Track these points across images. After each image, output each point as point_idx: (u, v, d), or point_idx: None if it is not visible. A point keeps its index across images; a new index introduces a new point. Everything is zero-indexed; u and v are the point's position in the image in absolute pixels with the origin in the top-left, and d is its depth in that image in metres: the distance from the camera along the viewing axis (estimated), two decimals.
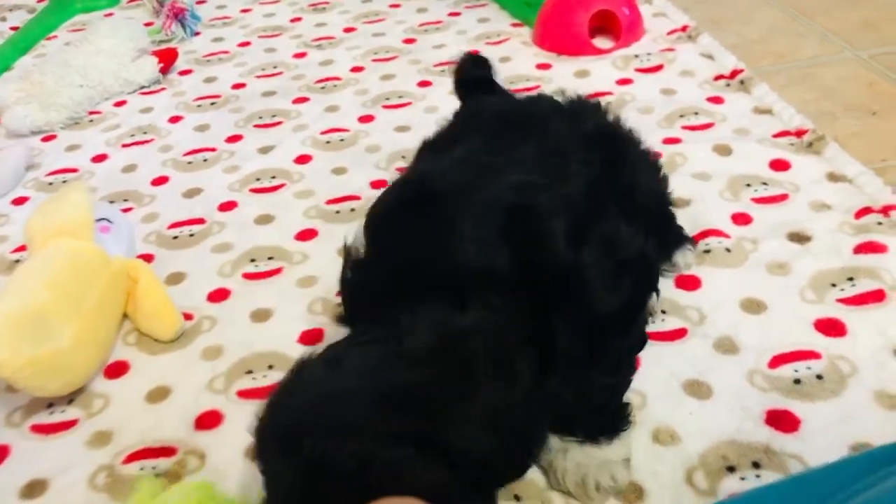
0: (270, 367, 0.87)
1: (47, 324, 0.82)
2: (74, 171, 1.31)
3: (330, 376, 0.56)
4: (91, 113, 1.49)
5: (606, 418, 0.69)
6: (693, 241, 0.95)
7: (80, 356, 0.85)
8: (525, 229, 0.63)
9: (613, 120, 0.87)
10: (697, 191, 1.06)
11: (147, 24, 1.83)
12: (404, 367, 0.55)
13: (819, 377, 0.78)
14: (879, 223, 0.97)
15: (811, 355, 0.81)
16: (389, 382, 0.54)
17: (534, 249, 0.62)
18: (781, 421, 0.74)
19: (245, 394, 0.84)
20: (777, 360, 0.81)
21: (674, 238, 0.93)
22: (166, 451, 0.79)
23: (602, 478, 0.68)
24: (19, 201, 1.24)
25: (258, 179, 1.22)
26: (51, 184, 1.28)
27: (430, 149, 0.83)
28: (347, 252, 0.69)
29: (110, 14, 1.98)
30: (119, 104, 1.51)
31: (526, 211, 0.64)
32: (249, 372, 0.87)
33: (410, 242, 0.65)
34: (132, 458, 0.79)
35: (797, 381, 0.78)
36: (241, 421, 0.81)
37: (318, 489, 0.50)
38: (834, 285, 0.89)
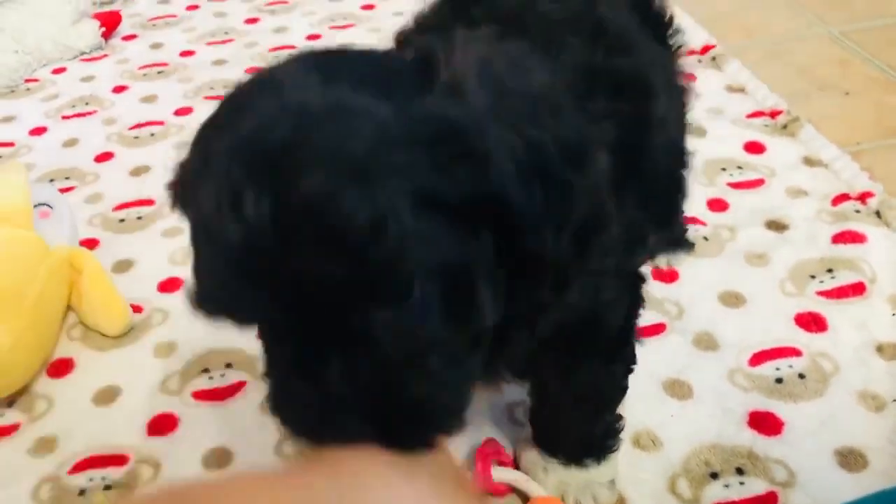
0: (229, 365, 0.82)
1: None
2: (10, 144, 1.22)
3: (328, 86, 0.36)
4: (27, 81, 1.39)
5: (595, 437, 0.65)
6: (691, 245, 0.91)
7: (21, 355, 0.78)
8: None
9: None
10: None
11: None
12: (444, 95, 0.37)
13: (801, 376, 0.76)
14: (857, 211, 0.95)
15: (792, 352, 0.79)
16: (425, 112, 0.36)
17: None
18: (764, 423, 0.72)
19: (201, 395, 0.79)
20: (758, 358, 0.78)
21: (674, 237, 0.88)
22: (117, 460, 0.73)
23: (584, 498, 0.65)
24: None
25: None
26: None
27: None
28: None
29: None
30: (58, 71, 1.42)
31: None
32: (206, 371, 0.82)
33: None
34: (79, 467, 0.73)
35: (779, 381, 0.76)
36: (198, 426, 0.76)
37: (297, 250, 0.33)
38: (813, 277, 0.87)
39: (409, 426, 0.38)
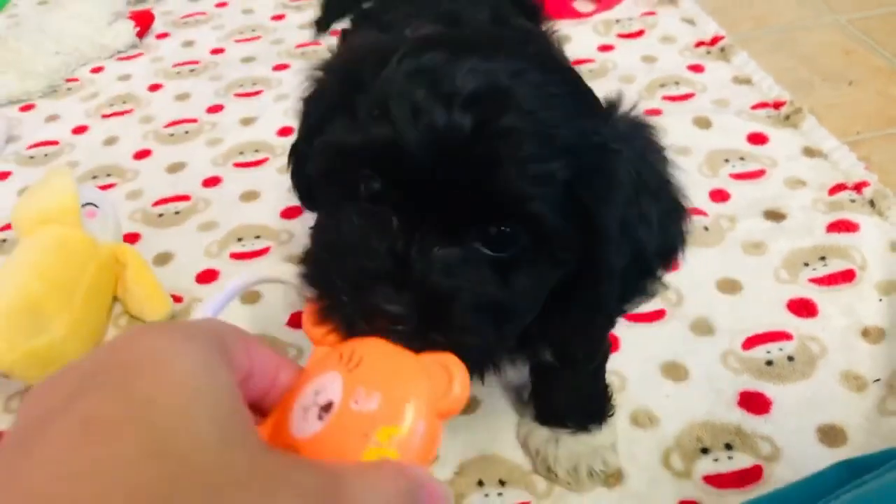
0: None
1: (41, 315, 0.84)
2: (55, 143, 1.30)
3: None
4: (68, 80, 1.47)
5: (595, 405, 0.72)
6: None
7: (74, 345, 0.86)
8: None
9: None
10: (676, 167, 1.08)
11: None
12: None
13: (790, 358, 0.82)
14: (852, 200, 0.99)
15: (783, 336, 0.84)
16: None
17: None
18: (753, 403, 0.78)
19: None
20: (751, 342, 0.84)
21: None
22: None
23: (595, 463, 0.72)
24: (1, 176, 1.24)
25: (241, 153, 1.22)
26: (32, 157, 1.28)
27: None
28: None
29: None
30: (96, 70, 1.50)
31: None
32: None
33: None
34: None
35: (769, 363, 0.82)
36: None
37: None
38: (807, 264, 0.92)
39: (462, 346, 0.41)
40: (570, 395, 0.73)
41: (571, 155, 0.44)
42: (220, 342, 0.32)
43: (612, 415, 0.74)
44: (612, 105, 0.50)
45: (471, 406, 0.79)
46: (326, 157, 0.47)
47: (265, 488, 0.27)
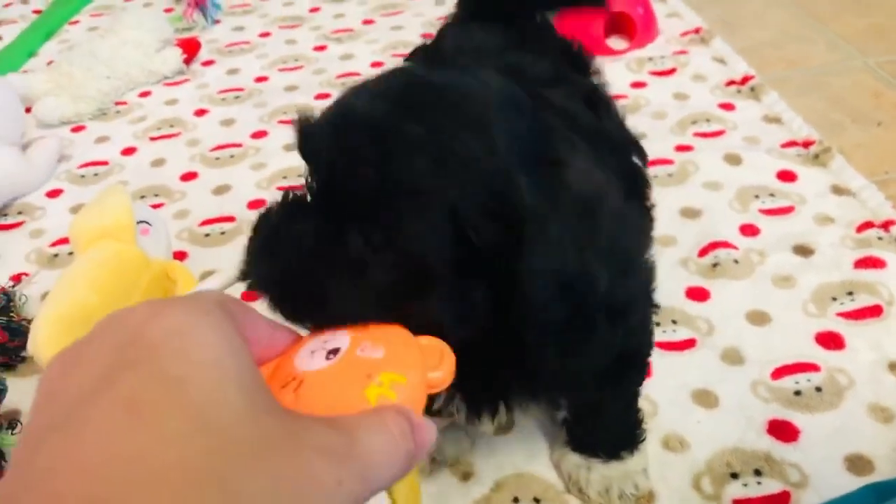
0: None
1: None
2: (105, 163, 1.36)
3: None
4: (117, 104, 1.53)
5: (627, 435, 0.75)
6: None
7: None
8: None
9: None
10: (708, 202, 1.11)
11: (167, 11, 1.87)
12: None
13: (818, 389, 0.84)
14: (880, 238, 1.02)
15: (811, 367, 0.86)
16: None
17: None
18: (782, 431, 0.80)
19: None
20: (779, 372, 0.86)
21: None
22: None
23: (626, 487, 0.74)
24: (54, 194, 1.29)
25: (285, 178, 1.26)
26: (83, 176, 1.33)
27: None
28: None
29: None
30: (144, 95, 1.55)
31: None
32: None
33: None
34: None
35: (797, 393, 0.84)
36: None
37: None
38: (834, 299, 0.94)
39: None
40: (602, 428, 0.75)
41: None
42: (228, 312, 0.34)
43: (643, 440, 0.77)
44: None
45: (507, 426, 0.82)
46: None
47: (293, 449, 0.29)
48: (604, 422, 0.74)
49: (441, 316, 0.48)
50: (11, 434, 0.84)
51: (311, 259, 0.47)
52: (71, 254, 1.14)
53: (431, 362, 0.40)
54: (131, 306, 0.34)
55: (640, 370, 0.72)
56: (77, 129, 1.46)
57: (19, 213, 1.25)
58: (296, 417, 0.32)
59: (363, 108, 0.48)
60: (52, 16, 1.92)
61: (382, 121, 0.46)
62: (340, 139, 0.47)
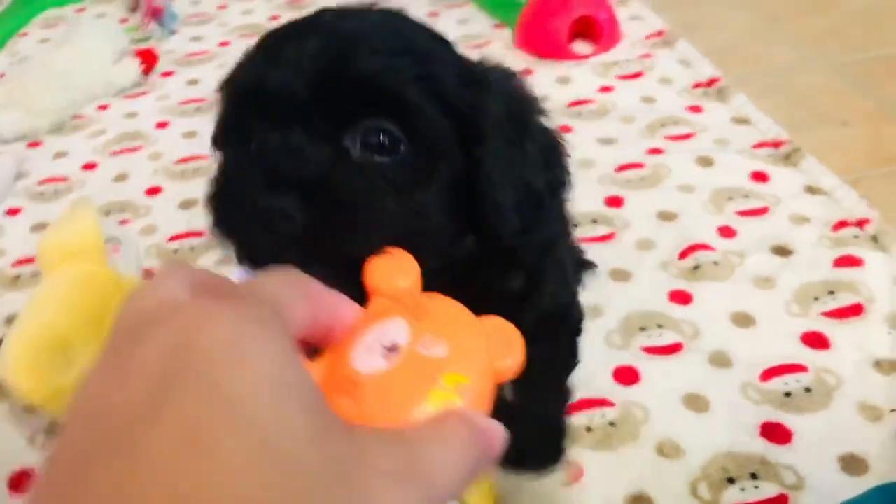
0: None
1: (69, 350, 0.84)
2: (64, 179, 1.31)
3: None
4: (75, 117, 1.48)
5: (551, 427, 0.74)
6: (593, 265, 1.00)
7: None
8: None
9: None
10: (682, 204, 1.11)
11: (122, 21, 1.83)
12: None
13: (808, 390, 0.84)
14: (856, 236, 1.03)
15: (799, 368, 0.87)
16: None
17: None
18: (775, 433, 0.80)
19: None
20: (768, 374, 0.86)
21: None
22: None
23: None
24: (13, 212, 1.24)
25: None
26: (42, 193, 1.28)
27: None
28: None
29: (81, 10, 1.95)
30: (102, 108, 1.51)
31: None
32: None
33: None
34: None
35: (788, 394, 0.84)
36: None
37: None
38: (816, 299, 0.95)
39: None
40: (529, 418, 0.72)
41: (427, 62, 0.51)
42: (280, 309, 0.32)
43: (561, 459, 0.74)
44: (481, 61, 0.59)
45: None
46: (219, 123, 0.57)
47: (358, 475, 0.27)
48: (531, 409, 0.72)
49: (441, 214, 0.52)
50: None
51: (332, 180, 0.47)
52: (35, 275, 1.10)
53: (498, 349, 0.37)
54: (173, 304, 0.31)
55: (571, 326, 0.77)
56: (34, 145, 1.41)
57: None
58: (358, 436, 0.29)
59: (335, 27, 0.52)
60: (1, 27, 1.86)
61: (362, 31, 0.51)
62: (329, 50, 0.49)
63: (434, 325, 0.38)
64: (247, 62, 0.54)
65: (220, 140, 0.57)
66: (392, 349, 0.36)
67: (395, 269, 0.42)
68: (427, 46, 0.54)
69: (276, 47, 0.52)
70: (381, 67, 0.48)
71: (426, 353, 0.36)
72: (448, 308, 0.40)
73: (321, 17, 0.55)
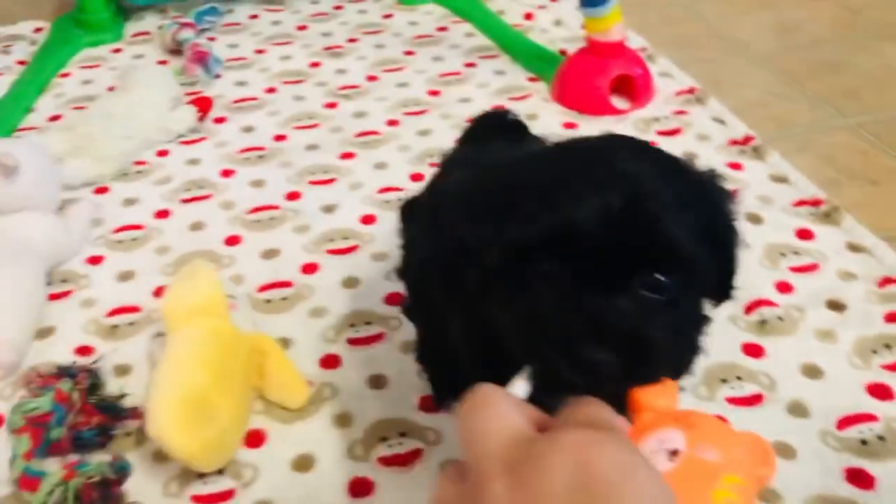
0: (402, 434, 0.97)
1: (209, 405, 0.90)
2: (140, 227, 1.36)
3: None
4: (136, 163, 1.53)
5: None
6: None
7: (236, 431, 0.93)
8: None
9: None
10: (740, 259, 1.21)
11: (160, 63, 1.88)
12: None
13: (881, 438, 0.94)
14: None
15: (870, 418, 0.96)
16: None
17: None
18: (859, 479, 0.89)
19: (386, 461, 0.94)
20: (843, 423, 0.96)
21: None
22: None
23: None
24: (94, 260, 1.28)
25: (331, 240, 1.30)
26: (120, 241, 1.33)
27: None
28: None
29: (118, 50, 1.99)
30: (162, 154, 1.56)
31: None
32: (384, 439, 0.97)
33: None
34: None
35: (864, 442, 0.94)
36: (392, 489, 0.91)
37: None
38: (875, 352, 1.05)
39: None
40: None
41: (695, 209, 0.57)
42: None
43: None
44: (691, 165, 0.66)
45: None
46: (499, 254, 0.58)
47: None
48: None
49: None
50: None
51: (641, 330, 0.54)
52: (132, 324, 1.15)
53: (756, 459, 0.46)
54: (557, 435, 0.39)
55: None
56: (101, 191, 1.45)
57: (63, 280, 1.24)
58: None
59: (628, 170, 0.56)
60: (41, 68, 1.89)
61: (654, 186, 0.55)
62: (634, 209, 0.54)
63: (704, 435, 0.46)
64: (535, 192, 0.57)
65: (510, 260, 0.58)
66: (674, 454, 0.44)
67: (659, 389, 0.52)
68: (695, 192, 0.59)
69: (569, 186, 0.55)
70: (684, 238, 0.54)
71: (704, 457, 0.44)
72: (709, 421, 0.49)
73: (614, 151, 0.59)
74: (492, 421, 0.41)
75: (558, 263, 0.54)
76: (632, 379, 0.53)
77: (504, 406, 0.43)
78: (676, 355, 0.56)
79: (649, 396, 0.51)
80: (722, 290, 0.67)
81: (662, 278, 0.54)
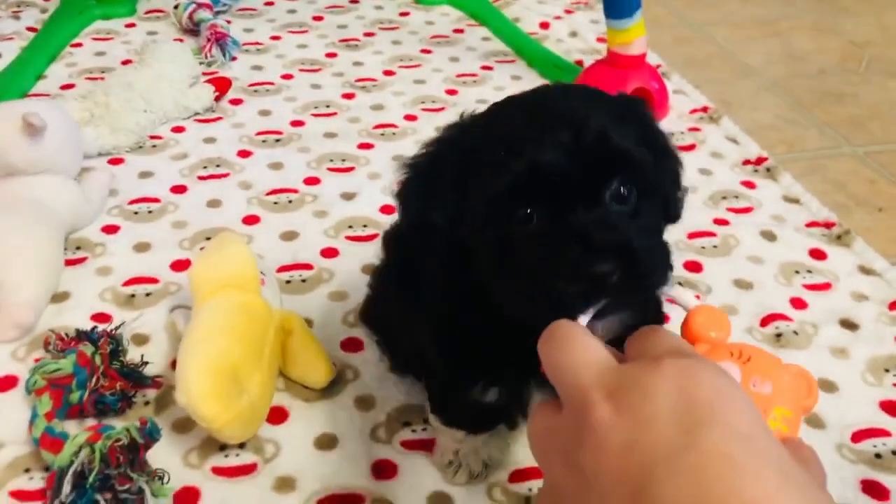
0: (426, 419, 0.97)
1: (242, 376, 0.89)
2: (156, 200, 1.35)
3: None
4: (152, 137, 1.51)
5: None
6: None
7: (264, 405, 0.93)
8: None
9: None
10: (755, 275, 1.23)
11: (176, 40, 1.87)
12: None
13: (894, 452, 0.96)
14: None
15: (883, 433, 0.99)
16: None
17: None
18: (874, 490, 0.91)
19: (409, 444, 0.94)
20: (857, 436, 0.98)
21: None
22: (355, 499, 0.88)
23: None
24: (110, 229, 1.27)
25: (350, 227, 1.30)
26: (136, 213, 1.32)
27: None
28: None
29: (131, 24, 1.98)
30: (177, 130, 1.55)
31: None
32: (408, 424, 0.97)
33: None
34: None
35: (878, 456, 0.96)
36: (415, 472, 0.91)
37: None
38: (887, 370, 1.08)
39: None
40: None
41: (631, 126, 0.62)
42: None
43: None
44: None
45: None
46: (483, 205, 0.62)
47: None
48: None
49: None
50: (163, 485, 0.84)
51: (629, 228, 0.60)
52: (149, 294, 1.14)
53: (801, 390, 0.48)
54: (657, 363, 0.41)
55: None
56: (116, 162, 1.44)
57: (77, 248, 1.23)
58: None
59: (571, 109, 0.62)
60: (52, 36, 1.87)
61: (593, 111, 0.62)
62: (584, 133, 0.59)
63: (757, 369, 0.49)
64: (494, 148, 0.62)
65: (498, 210, 0.63)
66: None
67: (713, 322, 0.53)
68: (623, 111, 0.65)
69: (526, 134, 0.61)
70: (630, 144, 0.60)
71: (757, 390, 0.47)
72: (761, 354, 0.51)
73: (550, 98, 0.67)
74: (580, 353, 0.44)
75: (536, 203, 0.59)
76: (630, 288, 0.57)
77: (587, 339, 0.45)
78: (655, 259, 0.60)
79: (704, 328, 0.53)
80: (673, 206, 0.70)
81: (623, 189, 0.60)
